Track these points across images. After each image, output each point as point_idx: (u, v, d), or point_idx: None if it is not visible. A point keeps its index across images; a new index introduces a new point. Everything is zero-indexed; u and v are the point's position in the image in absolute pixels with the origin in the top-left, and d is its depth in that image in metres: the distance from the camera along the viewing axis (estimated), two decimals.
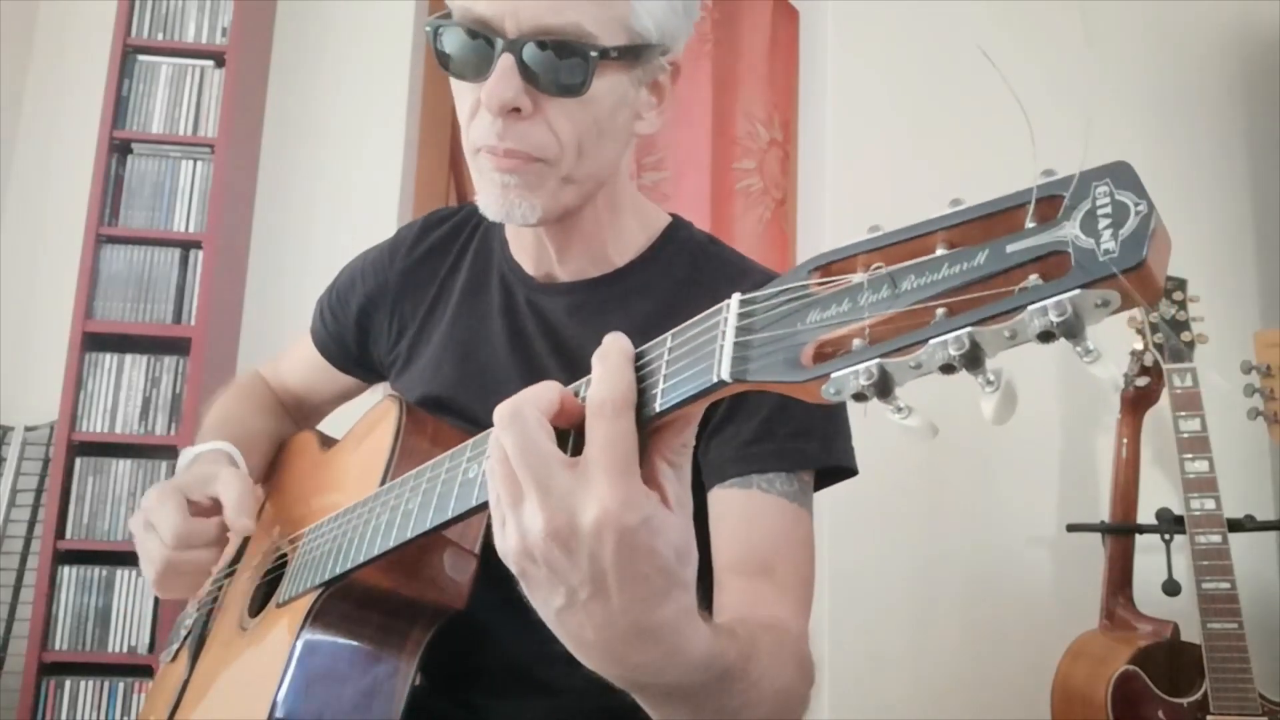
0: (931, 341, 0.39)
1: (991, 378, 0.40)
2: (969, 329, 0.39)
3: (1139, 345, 2.03)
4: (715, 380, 0.47)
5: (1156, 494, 2.20)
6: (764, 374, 0.45)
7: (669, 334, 0.52)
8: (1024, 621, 2.47)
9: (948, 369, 0.39)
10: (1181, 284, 2.03)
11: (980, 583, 2.51)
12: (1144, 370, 2.06)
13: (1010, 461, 2.53)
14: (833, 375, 0.42)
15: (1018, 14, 2.76)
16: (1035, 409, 2.51)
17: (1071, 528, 2.30)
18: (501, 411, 0.51)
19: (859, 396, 0.41)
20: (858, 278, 0.43)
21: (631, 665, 0.53)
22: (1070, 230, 0.38)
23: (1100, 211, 0.38)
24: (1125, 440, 2.16)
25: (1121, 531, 2.14)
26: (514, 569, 0.52)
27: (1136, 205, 0.38)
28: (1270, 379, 2.04)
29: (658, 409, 0.50)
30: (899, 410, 0.42)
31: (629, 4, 0.82)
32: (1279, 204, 2.71)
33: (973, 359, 0.39)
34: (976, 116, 2.27)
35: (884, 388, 0.41)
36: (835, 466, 0.91)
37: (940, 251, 0.42)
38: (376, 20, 2.72)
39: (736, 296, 0.48)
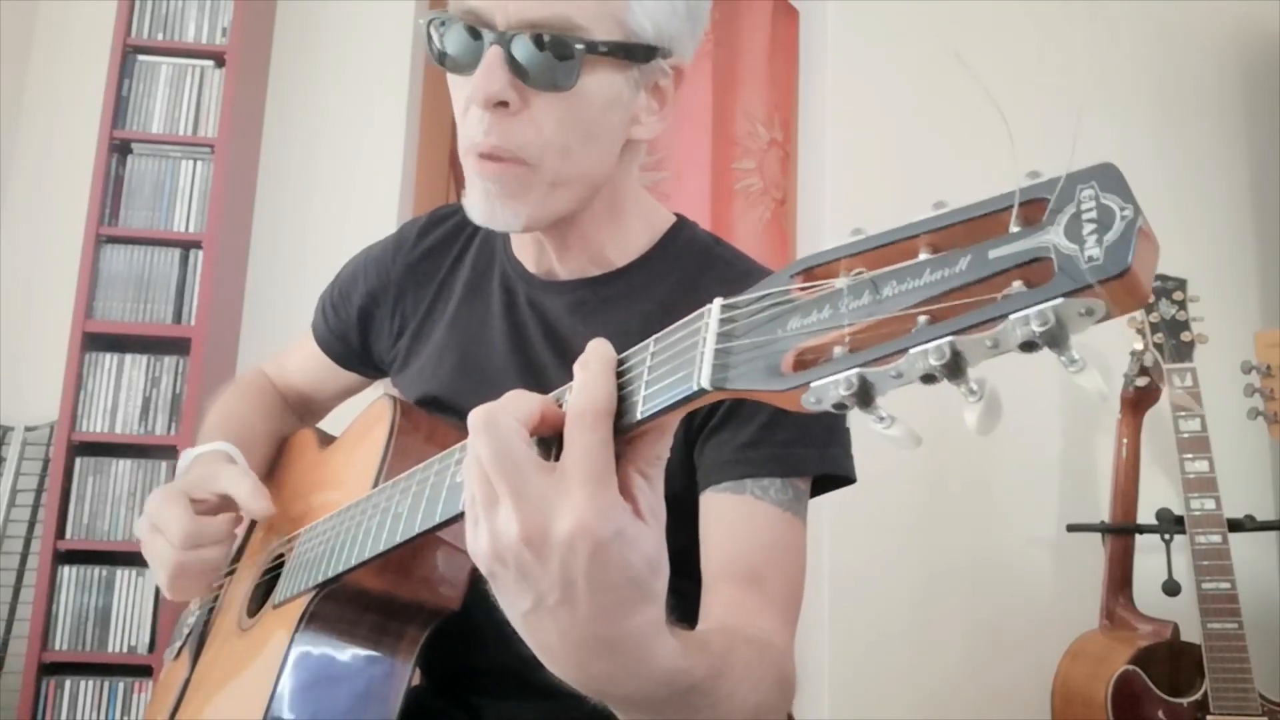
0: (912, 350, 0.38)
1: (975, 387, 0.38)
2: (950, 338, 0.37)
3: (1139, 345, 2.02)
4: (695, 388, 0.46)
5: (1156, 494, 2.19)
6: (744, 382, 0.44)
7: (652, 339, 0.51)
8: (1024, 621, 2.46)
9: (929, 379, 0.38)
10: (1181, 284, 2.02)
11: (980, 583, 2.50)
12: (1144, 370, 2.06)
13: (1010, 462, 2.52)
14: (812, 384, 0.41)
15: (1017, 15, 2.75)
16: (1035, 410, 2.50)
17: (1071, 528, 2.30)
18: (475, 417, 0.50)
19: (840, 406, 0.40)
20: (839, 283, 0.42)
21: (592, 673, 0.53)
22: (1054, 235, 0.37)
23: (1085, 216, 0.36)
24: (1125, 440, 2.16)
25: (1121, 531, 2.13)
26: (484, 570, 0.52)
27: (1122, 209, 0.36)
28: (1270, 379, 2.03)
29: (639, 416, 0.49)
30: (881, 420, 0.40)
31: (625, 1, 0.81)
32: (1279, 204, 2.71)
33: (954, 369, 0.37)
34: (977, 116, 2.26)
35: (865, 397, 0.39)
36: (831, 474, 0.89)
37: (923, 256, 0.40)
38: (376, 20, 2.72)
39: (718, 301, 0.48)
